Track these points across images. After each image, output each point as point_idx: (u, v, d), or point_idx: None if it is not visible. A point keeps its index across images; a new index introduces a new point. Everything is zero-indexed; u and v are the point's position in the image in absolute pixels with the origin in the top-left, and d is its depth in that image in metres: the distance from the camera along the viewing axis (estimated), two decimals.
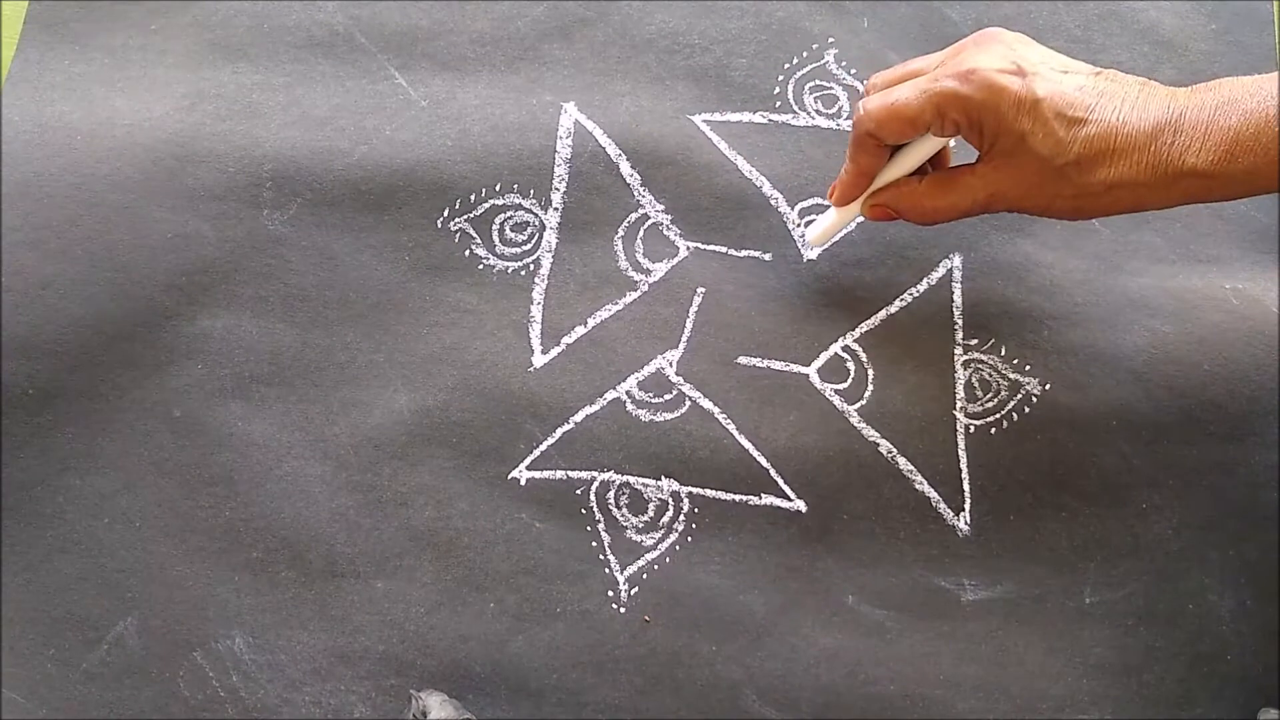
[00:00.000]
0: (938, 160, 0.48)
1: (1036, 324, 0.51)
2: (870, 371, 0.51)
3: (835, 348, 0.51)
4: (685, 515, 0.49)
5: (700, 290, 0.52)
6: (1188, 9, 0.57)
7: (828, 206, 0.50)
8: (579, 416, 0.50)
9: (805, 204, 0.53)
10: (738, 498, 0.49)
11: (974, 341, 0.51)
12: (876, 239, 0.52)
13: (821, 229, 0.50)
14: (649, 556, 0.48)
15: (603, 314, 0.51)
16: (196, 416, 0.49)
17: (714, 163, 0.53)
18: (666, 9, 0.56)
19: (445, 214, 0.52)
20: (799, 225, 0.52)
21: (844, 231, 0.50)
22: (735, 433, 0.50)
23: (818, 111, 0.54)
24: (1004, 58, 0.43)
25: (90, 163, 0.51)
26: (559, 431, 0.50)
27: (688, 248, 0.52)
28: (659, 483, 0.49)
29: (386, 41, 0.54)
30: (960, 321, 0.52)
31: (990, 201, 0.45)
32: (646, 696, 0.47)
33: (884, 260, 0.52)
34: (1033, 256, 0.52)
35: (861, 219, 0.50)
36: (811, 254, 0.52)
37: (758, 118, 0.54)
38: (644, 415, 0.50)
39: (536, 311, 0.51)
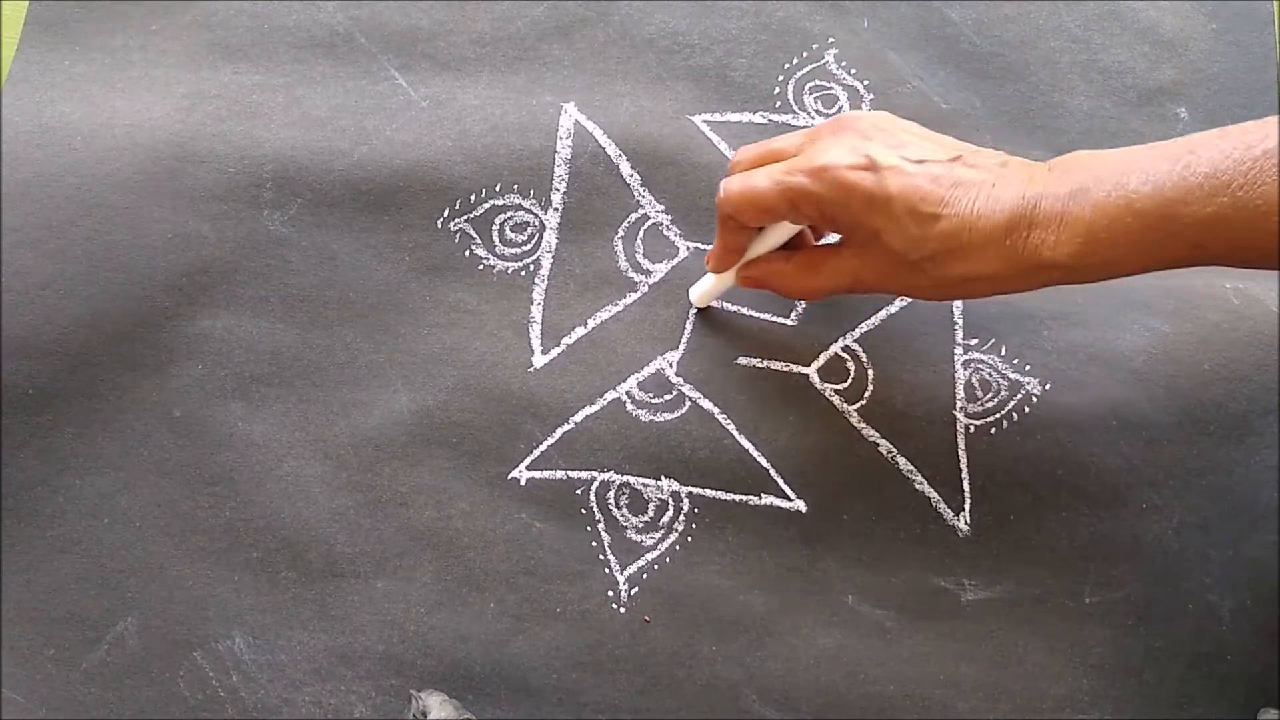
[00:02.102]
0: (815, 230, 0.48)
1: (1036, 324, 0.51)
2: (870, 371, 0.51)
3: (835, 348, 0.51)
4: (685, 515, 0.49)
5: None
6: (1188, 9, 0.57)
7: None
8: (579, 417, 0.50)
9: None
10: (738, 498, 0.49)
11: (974, 341, 0.51)
12: None
13: (701, 291, 0.50)
14: (649, 556, 0.48)
15: (603, 314, 0.51)
16: (196, 416, 0.49)
17: (714, 163, 0.53)
18: (666, 9, 0.56)
19: (445, 214, 0.52)
20: None
21: (725, 290, 0.50)
22: (735, 433, 0.50)
23: (818, 112, 0.54)
24: (856, 151, 0.42)
25: (90, 163, 0.51)
26: (559, 431, 0.50)
27: (688, 248, 0.52)
28: (659, 483, 0.49)
29: (386, 41, 0.54)
30: (960, 321, 0.52)
31: (854, 285, 0.45)
32: (646, 696, 0.47)
33: None
34: None
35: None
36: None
37: (758, 118, 0.54)
38: (644, 415, 0.50)
39: (536, 312, 0.51)
